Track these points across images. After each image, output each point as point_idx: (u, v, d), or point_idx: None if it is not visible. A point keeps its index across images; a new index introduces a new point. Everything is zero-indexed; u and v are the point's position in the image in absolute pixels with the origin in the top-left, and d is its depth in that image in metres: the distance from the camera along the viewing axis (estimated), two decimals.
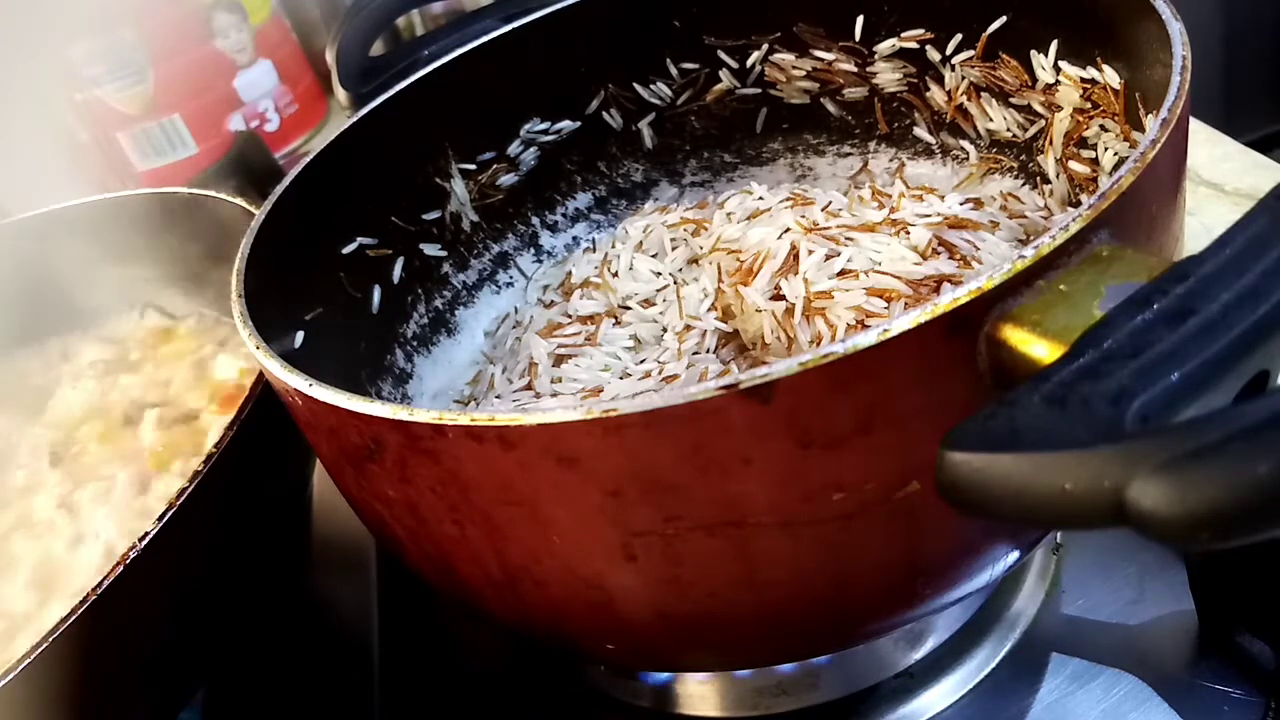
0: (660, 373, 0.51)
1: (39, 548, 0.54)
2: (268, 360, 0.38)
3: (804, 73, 0.64)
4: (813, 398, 0.29)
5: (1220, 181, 0.70)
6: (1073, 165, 0.51)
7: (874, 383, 0.29)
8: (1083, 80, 0.49)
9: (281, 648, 0.57)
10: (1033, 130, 0.55)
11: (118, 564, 0.39)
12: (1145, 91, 0.44)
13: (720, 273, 0.53)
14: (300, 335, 0.50)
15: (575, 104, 0.66)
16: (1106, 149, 0.48)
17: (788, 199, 0.56)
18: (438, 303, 0.63)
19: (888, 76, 0.61)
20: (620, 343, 0.55)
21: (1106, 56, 0.47)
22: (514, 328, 0.61)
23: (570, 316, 0.59)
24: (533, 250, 0.68)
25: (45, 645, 0.37)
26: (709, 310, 0.53)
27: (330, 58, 0.62)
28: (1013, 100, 0.55)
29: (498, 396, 0.55)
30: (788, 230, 0.50)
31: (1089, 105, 0.49)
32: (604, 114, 0.67)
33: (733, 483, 0.30)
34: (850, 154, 0.65)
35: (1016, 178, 0.57)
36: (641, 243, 0.60)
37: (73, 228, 0.67)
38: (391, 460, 0.34)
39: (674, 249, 0.59)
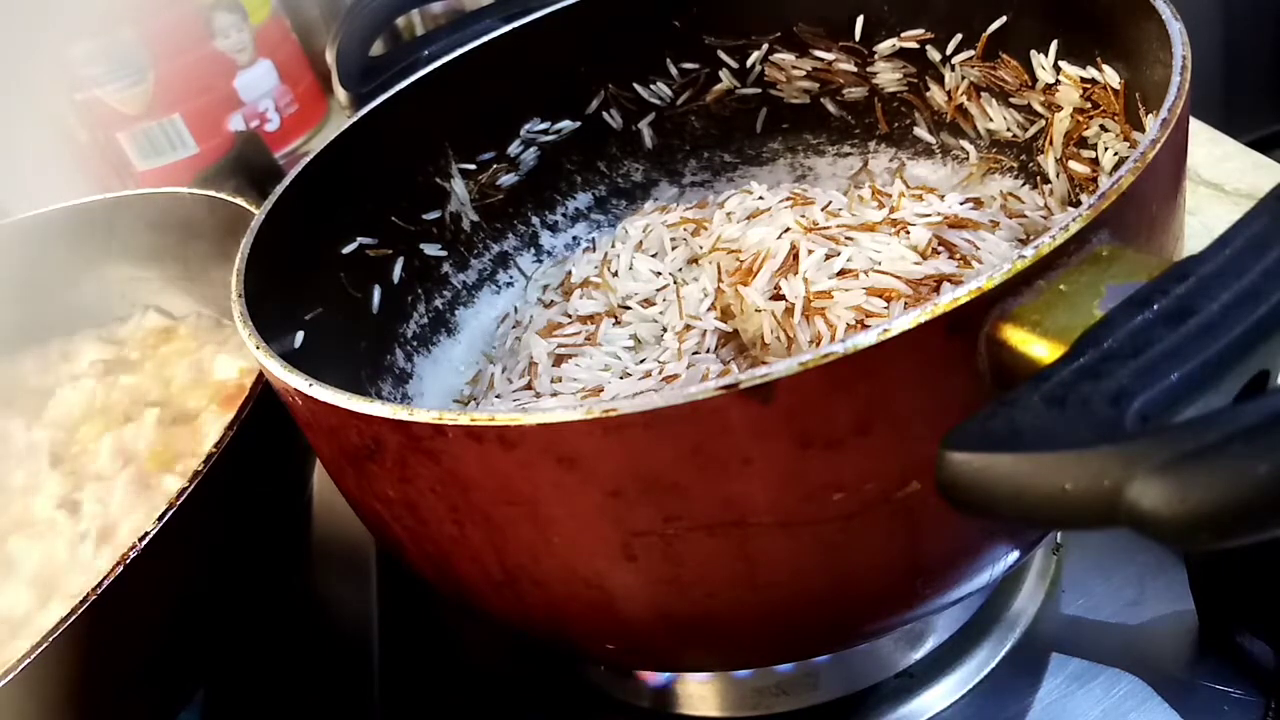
0: (660, 372, 0.51)
1: (39, 548, 0.54)
2: (268, 360, 0.38)
3: (804, 73, 0.64)
4: (813, 398, 0.29)
5: (1220, 181, 0.70)
6: (1073, 165, 0.51)
7: (874, 383, 0.29)
8: (1083, 80, 0.49)
9: (281, 648, 0.57)
10: (1033, 130, 0.55)
11: (118, 564, 0.39)
12: (1145, 91, 0.44)
13: (720, 272, 0.53)
14: (300, 335, 0.50)
15: (575, 104, 0.66)
16: (1106, 149, 0.48)
17: (788, 199, 0.56)
18: (438, 303, 0.63)
19: (888, 76, 0.61)
20: (620, 342, 0.55)
21: (1106, 56, 0.47)
22: (514, 327, 0.61)
23: (570, 316, 0.59)
24: (533, 250, 0.68)
25: (45, 645, 0.37)
26: (709, 310, 0.53)
27: (330, 58, 0.62)
28: (1013, 100, 0.55)
29: (498, 396, 0.55)
30: (788, 230, 0.50)
31: (1089, 105, 0.49)
32: (604, 114, 0.67)
33: (733, 483, 0.30)
34: (850, 154, 0.65)
35: (1016, 177, 0.57)
36: (641, 242, 0.60)
37: (73, 228, 0.67)
38: (391, 460, 0.34)
39: (674, 249, 0.59)
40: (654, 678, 0.51)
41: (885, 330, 0.28)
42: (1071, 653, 0.47)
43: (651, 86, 0.66)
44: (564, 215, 0.68)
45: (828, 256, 0.48)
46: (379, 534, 0.42)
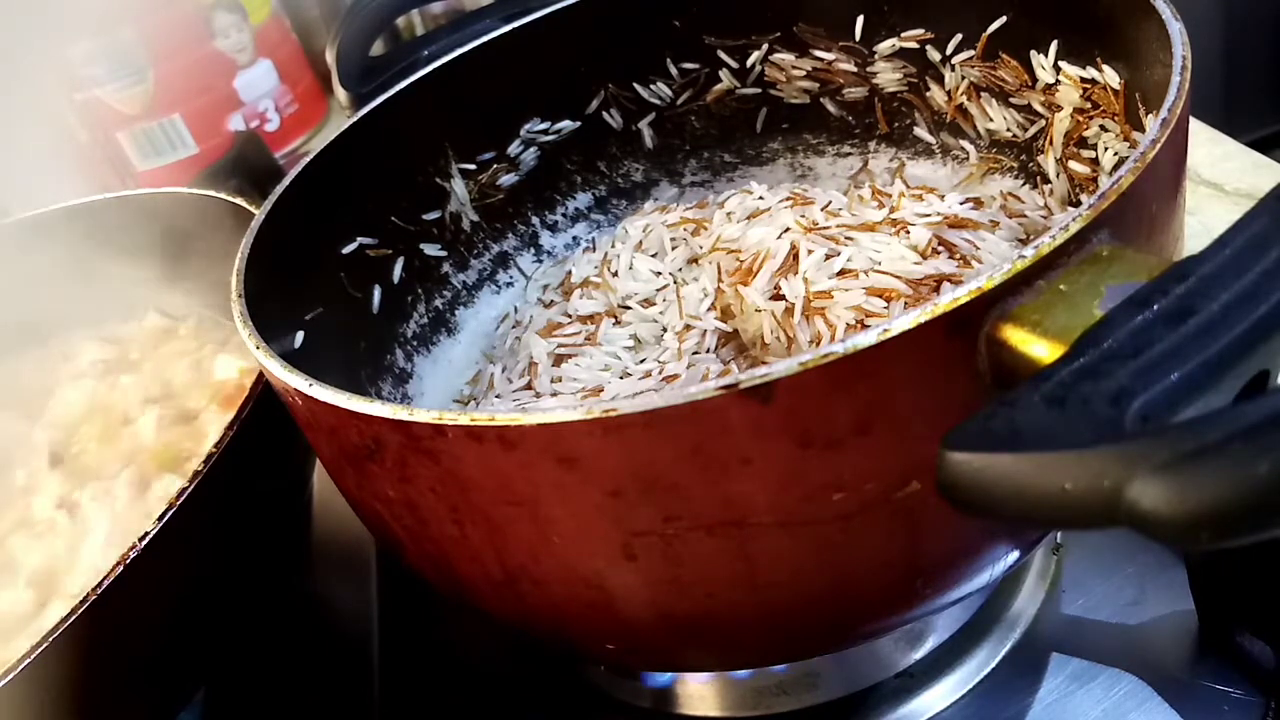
0: (660, 372, 0.51)
1: (39, 548, 0.54)
2: (268, 360, 0.38)
3: (804, 73, 0.64)
4: (813, 398, 0.29)
5: (1220, 181, 0.70)
6: (1073, 165, 0.51)
7: (874, 383, 0.29)
8: (1083, 80, 0.49)
9: (281, 648, 0.57)
10: (1033, 130, 0.55)
11: (118, 564, 0.39)
12: (1145, 91, 0.44)
13: (720, 272, 0.53)
14: (300, 335, 0.50)
15: (575, 104, 0.66)
16: (1106, 149, 0.48)
17: (788, 199, 0.56)
18: (438, 303, 0.63)
19: (888, 76, 0.61)
20: (620, 342, 0.55)
21: (1106, 56, 0.47)
22: (514, 327, 0.61)
23: (570, 316, 0.59)
24: (533, 250, 0.68)
25: (45, 645, 0.37)
26: (709, 310, 0.53)
27: (330, 58, 0.62)
28: (1013, 100, 0.55)
29: (498, 396, 0.55)
30: (787, 230, 0.50)
31: (1089, 105, 0.49)
32: (604, 114, 0.67)
33: (733, 483, 0.30)
34: (850, 154, 0.65)
35: (1016, 177, 0.57)
36: (641, 242, 0.60)
37: (73, 228, 0.67)
38: (391, 460, 0.34)
39: (674, 249, 0.59)
40: (654, 678, 0.51)
41: (885, 330, 0.28)
42: (1071, 653, 0.47)
43: (651, 86, 0.66)
44: (564, 215, 0.68)
45: (828, 256, 0.48)
46: (379, 534, 0.42)
